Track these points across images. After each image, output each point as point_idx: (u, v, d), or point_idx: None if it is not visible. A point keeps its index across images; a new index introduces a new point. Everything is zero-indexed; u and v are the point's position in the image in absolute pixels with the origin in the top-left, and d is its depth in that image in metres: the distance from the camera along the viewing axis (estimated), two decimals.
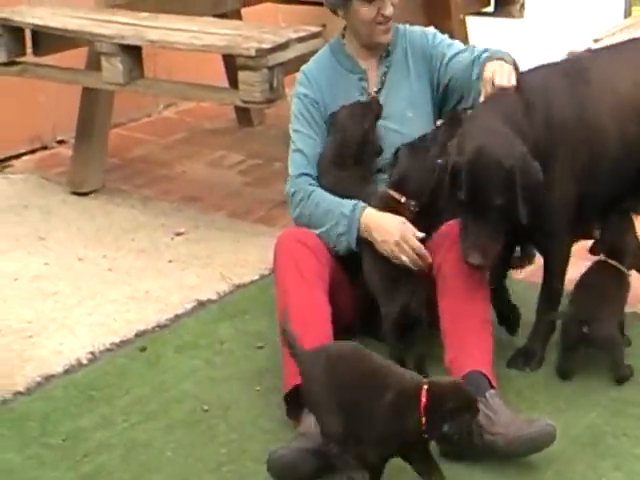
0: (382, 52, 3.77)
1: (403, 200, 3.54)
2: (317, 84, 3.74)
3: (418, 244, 3.47)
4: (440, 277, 3.48)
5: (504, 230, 3.33)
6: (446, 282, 3.44)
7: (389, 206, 3.53)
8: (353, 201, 3.55)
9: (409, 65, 3.77)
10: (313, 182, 3.65)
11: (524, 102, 3.41)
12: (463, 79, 3.70)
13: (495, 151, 3.25)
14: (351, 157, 3.65)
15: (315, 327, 3.33)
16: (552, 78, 3.54)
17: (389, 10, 3.63)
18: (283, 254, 3.49)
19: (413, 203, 3.54)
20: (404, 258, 3.45)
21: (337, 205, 3.56)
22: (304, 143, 3.69)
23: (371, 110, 3.68)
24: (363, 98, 3.73)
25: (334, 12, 3.75)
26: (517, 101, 3.41)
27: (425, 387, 2.88)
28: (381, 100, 3.73)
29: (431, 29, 3.87)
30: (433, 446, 2.99)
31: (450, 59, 3.73)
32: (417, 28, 3.87)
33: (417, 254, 3.46)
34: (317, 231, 3.57)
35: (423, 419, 2.84)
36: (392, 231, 3.47)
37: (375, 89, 3.76)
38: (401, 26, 3.83)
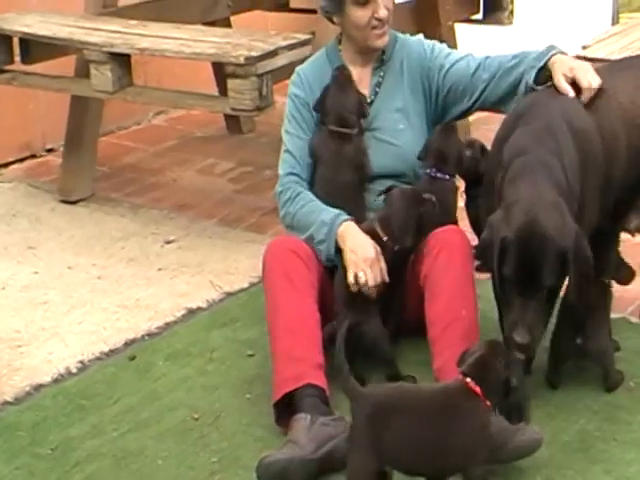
0: (376, 61, 3.75)
1: (385, 239, 3.50)
2: (309, 86, 3.74)
3: (384, 274, 3.46)
4: (427, 285, 3.48)
5: (551, 308, 3.20)
6: (433, 289, 3.45)
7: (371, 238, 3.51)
8: (336, 210, 3.55)
9: (404, 76, 3.75)
10: (301, 183, 3.66)
11: (555, 141, 3.23)
12: (465, 86, 3.68)
13: (548, 230, 3.05)
14: (355, 121, 3.65)
15: (304, 335, 3.33)
16: (566, 101, 3.37)
17: (383, 13, 3.61)
18: (272, 262, 3.48)
19: (395, 246, 3.50)
20: (361, 275, 3.42)
21: (320, 211, 3.57)
22: (293, 144, 3.70)
23: (347, 73, 3.69)
24: None
25: (330, 19, 3.74)
26: (551, 145, 3.22)
27: (467, 380, 2.90)
28: (373, 110, 3.72)
29: (430, 40, 3.85)
30: None
31: (448, 69, 3.71)
32: (415, 38, 3.86)
33: (378, 282, 3.45)
34: (301, 236, 3.58)
35: (488, 403, 2.88)
36: (367, 247, 3.47)
37: (368, 100, 3.74)
38: (401, 35, 3.82)
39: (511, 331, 3.10)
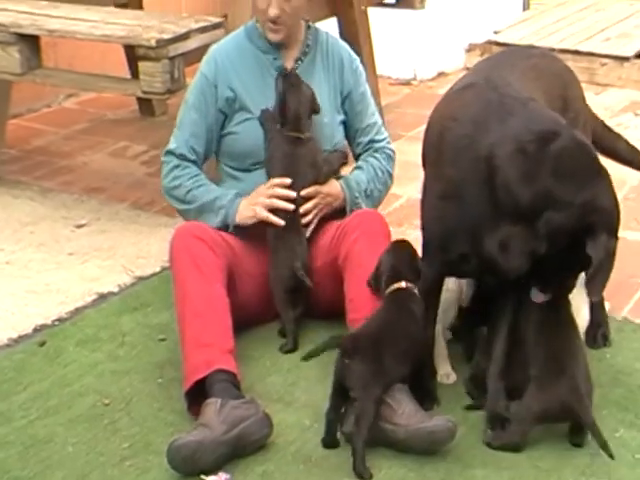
0: (300, 52, 3.76)
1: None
2: (223, 65, 3.73)
3: (274, 191, 3.62)
4: (347, 266, 3.52)
5: None
6: (356, 271, 3.48)
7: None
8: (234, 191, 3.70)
9: (325, 73, 3.79)
10: (198, 169, 3.76)
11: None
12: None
13: None
14: (309, 124, 3.68)
15: (213, 321, 3.33)
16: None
17: (272, 12, 3.60)
18: (179, 249, 3.48)
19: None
20: (258, 210, 3.61)
21: (218, 189, 3.73)
22: (193, 125, 3.75)
23: (296, 78, 3.69)
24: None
25: None
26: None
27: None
28: None
29: (355, 57, 3.91)
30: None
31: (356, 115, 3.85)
32: (345, 46, 3.91)
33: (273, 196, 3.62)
34: (190, 206, 3.70)
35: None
36: (248, 205, 3.65)
37: None
38: (322, 31, 3.85)
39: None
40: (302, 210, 3.65)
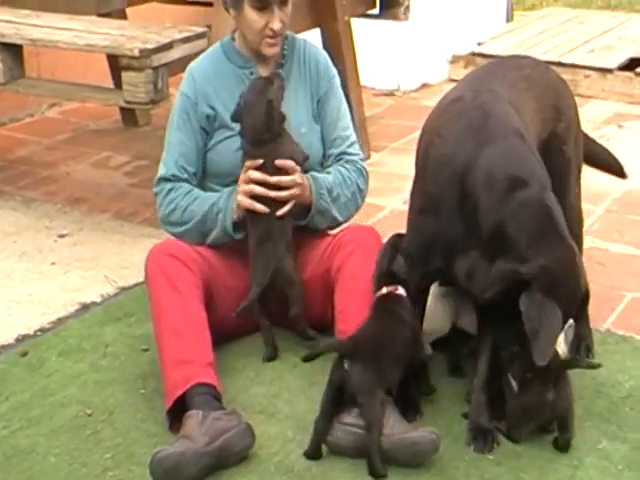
0: (275, 65, 3.74)
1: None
2: (201, 83, 3.70)
3: (248, 175, 3.55)
4: (339, 278, 3.53)
5: None
6: (345, 283, 3.50)
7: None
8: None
9: (305, 81, 3.77)
10: (190, 183, 3.70)
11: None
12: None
13: None
14: (267, 132, 3.58)
15: (190, 336, 3.32)
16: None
17: (277, 25, 3.58)
18: (153, 268, 3.46)
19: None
20: (245, 190, 3.54)
21: (213, 195, 3.66)
22: (180, 145, 3.69)
23: (272, 82, 3.62)
24: None
25: (227, 10, 3.69)
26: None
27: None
28: None
29: (333, 67, 3.87)
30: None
31: (329, 125, 3.79)
32: (323, 53, 3.88)
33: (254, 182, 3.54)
34: (189, 224, 3.63)
35: None
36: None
37: None
38: (299, 38, 3.83)
39: None
40: (277, 181, 3.54)
